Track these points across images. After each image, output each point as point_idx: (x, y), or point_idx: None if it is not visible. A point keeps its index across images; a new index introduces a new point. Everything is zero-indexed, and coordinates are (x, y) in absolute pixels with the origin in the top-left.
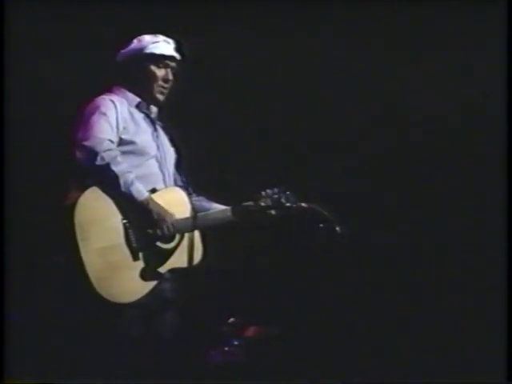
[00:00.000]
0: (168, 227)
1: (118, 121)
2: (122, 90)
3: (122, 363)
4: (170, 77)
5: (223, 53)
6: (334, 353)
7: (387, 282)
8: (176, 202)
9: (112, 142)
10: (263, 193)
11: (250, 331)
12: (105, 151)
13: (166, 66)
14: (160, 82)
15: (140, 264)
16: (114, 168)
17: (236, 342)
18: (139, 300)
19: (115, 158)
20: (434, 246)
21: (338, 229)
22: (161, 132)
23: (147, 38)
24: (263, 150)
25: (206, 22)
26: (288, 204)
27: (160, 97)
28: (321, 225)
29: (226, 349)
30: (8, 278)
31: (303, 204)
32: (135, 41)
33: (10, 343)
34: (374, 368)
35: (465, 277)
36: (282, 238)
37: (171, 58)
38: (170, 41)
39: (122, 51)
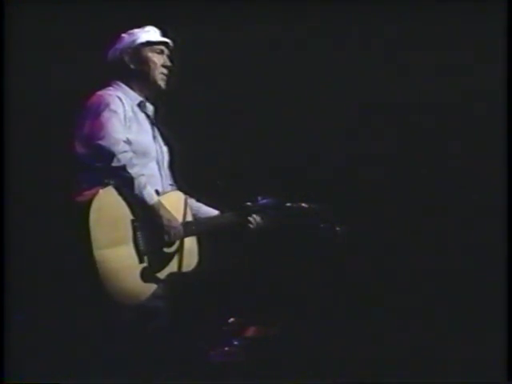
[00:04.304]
0: (175, 234)
1: (126, 119)
2: (122, 85)
3: (122, 363)
4: (169, 63)
5: (219, 53)
6: (333, 353)
7: (387, 281)
8: (176, 206)
9: (126, 142)
10: (259, 198)
11: (250, 331)
12: (121, 153)
13: (162, 52)
14: (161, 69)
15: (144, 267)
16: (129, 170)
17: (236, 342)
18: (142, 302)
19: (131, 159)
20: (434, 245)
21: (338, 229)
22: (158, 132)
23: (136, 30)
24: (262, 149)
25: (202, 19)
26: (288, 204)
27: (162, 83)
28: (321, 225)
29: (226, 349)
30: (8, 278)
31: (303, 204)
32: (125, 35)
33: (10, 343)
34: (373, 368)
35: (465, 277)
36: (282, 238)
37: (165, 43)
38: (157, 29)
39: (115, 47)
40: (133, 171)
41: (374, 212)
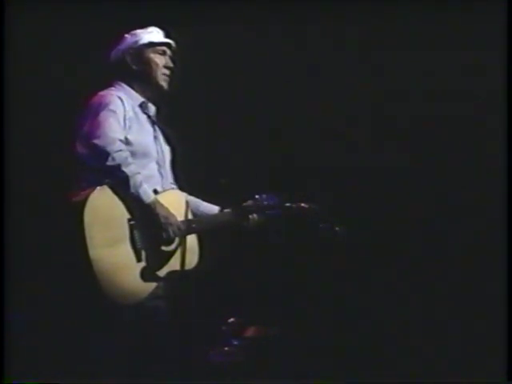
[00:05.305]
0: (173, 231)
1: (125, 119)
2: (124, 85)
3: (122, 363)
4: (171, 64)
5: (219, 53)
6: (333, 353)
7: (387, 281)
8: (176, 205)
9: (122, 141)
10: (257, 196)
11: (250, 331)
12: (116, 152)
13: (165, 53)
14: (163, 70)
15: (142, 265)
16: (124, 169)
17: (236, 342)
18: (140, 301)
19: (126, 158)
20: (434, 245)
21: (337, 229)
22: (159, 133)
23: (139, 30)
24: (262, 150)
25: (203, 21)
26: (288, 204)
27: (164, 84)
28: (321, 225)
29: (226, 349)
30: (8, 278)
31: (303, 204)
32: (128, 36)
33: (10, 343)
34: (373, 368)
35: (465, 277)
36: (282, 239)
37: (168, 44)
38: (160, 30)
39: (118, 47)
40: (128, 170)
41: (374, 212)
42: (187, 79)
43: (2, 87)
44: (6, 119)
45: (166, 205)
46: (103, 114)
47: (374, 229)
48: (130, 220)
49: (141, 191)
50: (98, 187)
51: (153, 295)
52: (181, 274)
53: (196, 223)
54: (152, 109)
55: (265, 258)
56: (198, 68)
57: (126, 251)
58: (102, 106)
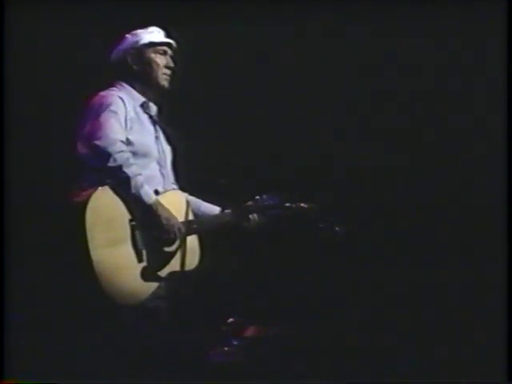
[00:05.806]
0: (175, 232)
1: (127, 120)
2: (125, 86)
3: (122, 363)
4: (172, 64)
5: (220, 53)
6: (334, 353)
7: (387, 281)
8: (177, 205)
9: (123, 142)
10: (257, 197)
11: (250, 331)
12: (117, 153)
13: (166, 53)
14: (164, 70)
15: (143, 266)
16: (125, 170)
17: (236, 342)
18: (141, 301)
19: (127, 159)
20: (434, 245)
21: (337, 229)
22: (160, 133)
23: (140, 30)
24: (262, 150)
25: (204, 21)
26: (288, 204)
27: (165, 84)
28: (321, 225)
29: (226, 349)
30: (8, 278)
31: (303, 204)
32: (128, 36)
33: (10, 343)
34: (373, 368)
35: (465, 277)
36: (281, 238)
37: (169, 44)
38: (161, 30)
39: (119, 47)
40: (129, 171)
41: (374, 212)
42: (188, 79)
43: (2, 87)
44: (6, 119)
45: (166, 205)
46: (104, 115)
47: (373, 229)
48: (131, 221)
49: (142, 192)
50: (100, 188)
51: (153, 295)
52: (181, 275)
53: (197, 224)
54: (153, 109)
55: (265, 258)
56: (198, 68)
57: (127, 252)
58: (103, 107)
